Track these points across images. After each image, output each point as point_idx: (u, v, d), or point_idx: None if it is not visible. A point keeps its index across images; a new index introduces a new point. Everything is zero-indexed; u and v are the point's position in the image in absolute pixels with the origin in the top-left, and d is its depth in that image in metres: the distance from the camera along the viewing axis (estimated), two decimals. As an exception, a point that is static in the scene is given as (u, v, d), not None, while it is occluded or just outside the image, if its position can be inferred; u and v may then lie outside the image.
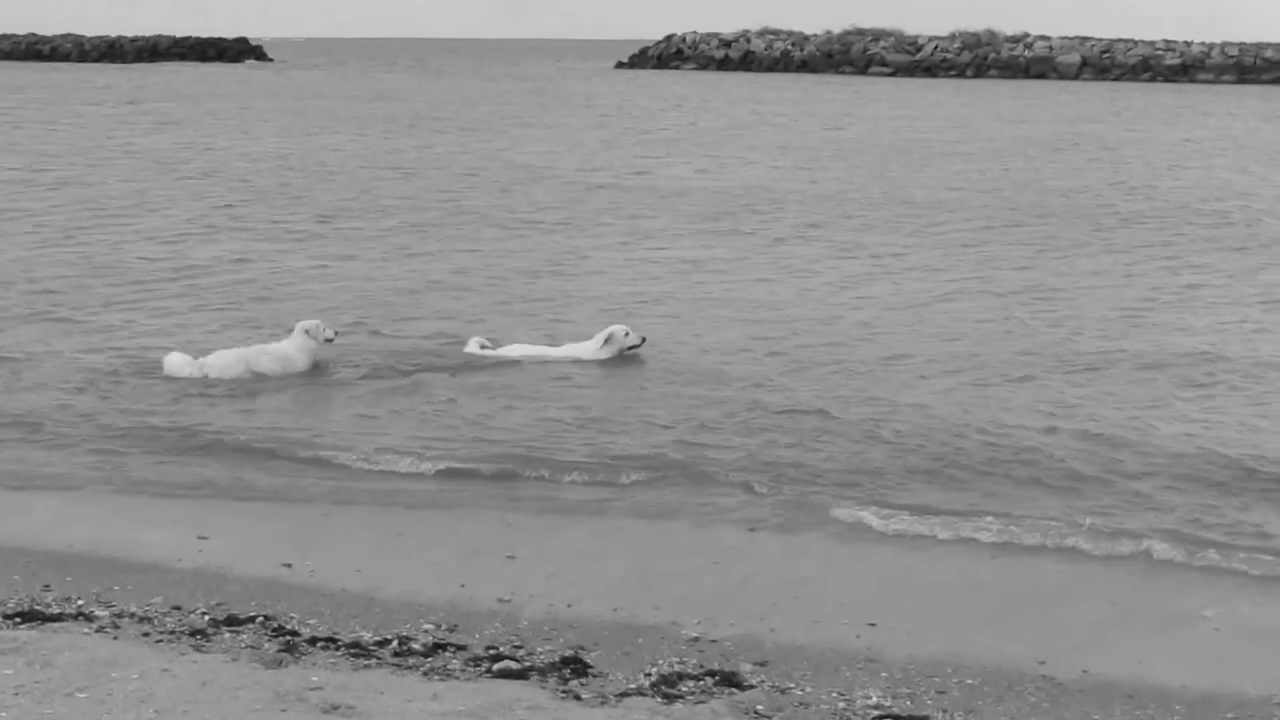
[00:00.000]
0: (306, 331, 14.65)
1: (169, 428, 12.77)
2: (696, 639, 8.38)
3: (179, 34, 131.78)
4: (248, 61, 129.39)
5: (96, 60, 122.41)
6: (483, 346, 15.43)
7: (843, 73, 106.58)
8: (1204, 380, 14.79)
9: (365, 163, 37.70)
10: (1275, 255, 23.39)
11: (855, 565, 9.87)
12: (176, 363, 14.36)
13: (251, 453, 12.17)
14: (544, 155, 40.22)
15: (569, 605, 8.94)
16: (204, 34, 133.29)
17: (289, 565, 9.58)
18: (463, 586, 9.25)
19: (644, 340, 15.37)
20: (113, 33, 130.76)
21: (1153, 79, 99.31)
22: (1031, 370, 15.10)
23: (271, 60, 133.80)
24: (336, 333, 15.04)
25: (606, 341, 15.19)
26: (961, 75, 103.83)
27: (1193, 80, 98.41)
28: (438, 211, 27.85)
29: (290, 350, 14.62)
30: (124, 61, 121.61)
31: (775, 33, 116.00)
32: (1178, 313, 18.36)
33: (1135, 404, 13.83)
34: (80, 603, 8.67)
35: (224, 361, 14.35)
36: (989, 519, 10.51)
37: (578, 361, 15.10)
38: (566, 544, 10.18)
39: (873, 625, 8.65)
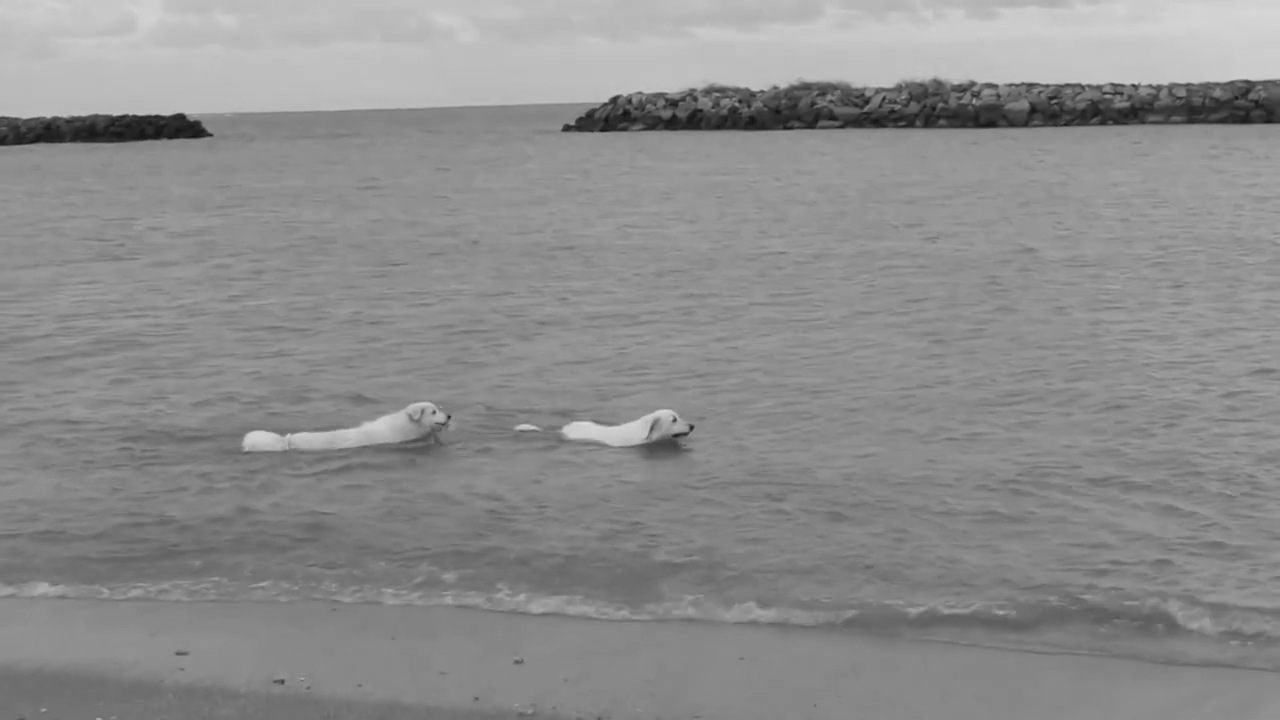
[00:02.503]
0: (409, 415, 14.00)
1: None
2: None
3: (115, 113, 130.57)
4: (180, 140, 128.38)
5: (33, 142, 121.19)
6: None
7: (791, 128, 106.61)
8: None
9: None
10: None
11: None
12: (260, 440, 13.91)
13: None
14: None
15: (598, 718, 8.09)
16: (140, 112, 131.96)
17: (281, 681, 8.68)
18: (476, 699, 8.37)
19: (691, 428, 14.23)
20: (48, 114, 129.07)
21: (1102, 123, 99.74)
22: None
23: (211, 135, 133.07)
24: (449, 416, 14.19)
25: (653, 428, 14.11)
26: (910, 125, 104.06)
27: (1142, 122, 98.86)
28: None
29: (380, 429, 14.04)
30: (61, 142, 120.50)
31: (722, 90, 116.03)
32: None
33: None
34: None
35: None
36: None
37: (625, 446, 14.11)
38: (571, 642, 9.36)
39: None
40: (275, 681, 8.67)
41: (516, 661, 8.96)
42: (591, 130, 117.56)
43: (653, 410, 14.35)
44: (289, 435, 14.01)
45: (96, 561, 10.97)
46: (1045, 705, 8.23)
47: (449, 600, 10.15)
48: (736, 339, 19.99)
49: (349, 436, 13.96)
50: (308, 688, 8.58)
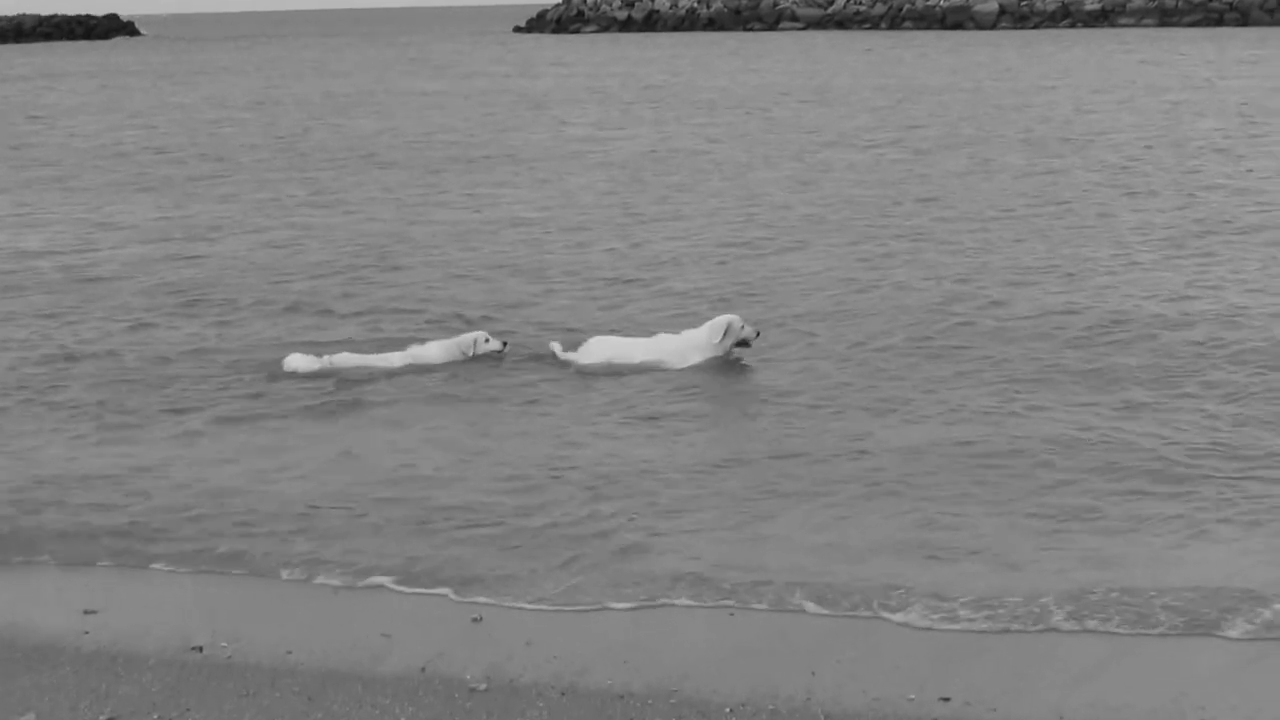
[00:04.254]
0: (461, 348, 13.06)
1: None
2: None
3: (44, 12, 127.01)
4: (115, 39, 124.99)
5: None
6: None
7: (751, 29, 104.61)
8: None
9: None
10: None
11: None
12: (299, 362, 12.88)
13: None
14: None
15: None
16: (70, 11, 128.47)
17: (200, 649, 7.57)
18: (423, 670, 7.30)
19: (759, 334, 12.77)
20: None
21: (1072, 25, 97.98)
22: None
23: (143, 35, 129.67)
24: (505, 344, 13.17)
25: (725, 334, 12.62)
26: (875, 27, 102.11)
27: (1114, 25, 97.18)
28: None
29: (431, 352, 13.07)
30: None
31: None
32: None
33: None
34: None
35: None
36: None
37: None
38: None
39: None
40: (192, 649, 7.56)
41: (474, 620, 7.88)
42: (543, 32, 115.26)
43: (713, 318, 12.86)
44: (327, 356, 12.96)
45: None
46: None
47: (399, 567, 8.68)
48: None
49: (393, 359, 12.96)
50: (229, 656, 7.48)
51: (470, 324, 14.36)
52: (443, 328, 14.28)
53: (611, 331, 13.53)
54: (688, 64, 64.17)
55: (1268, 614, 7.62)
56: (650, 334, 13.22)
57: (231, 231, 20.91)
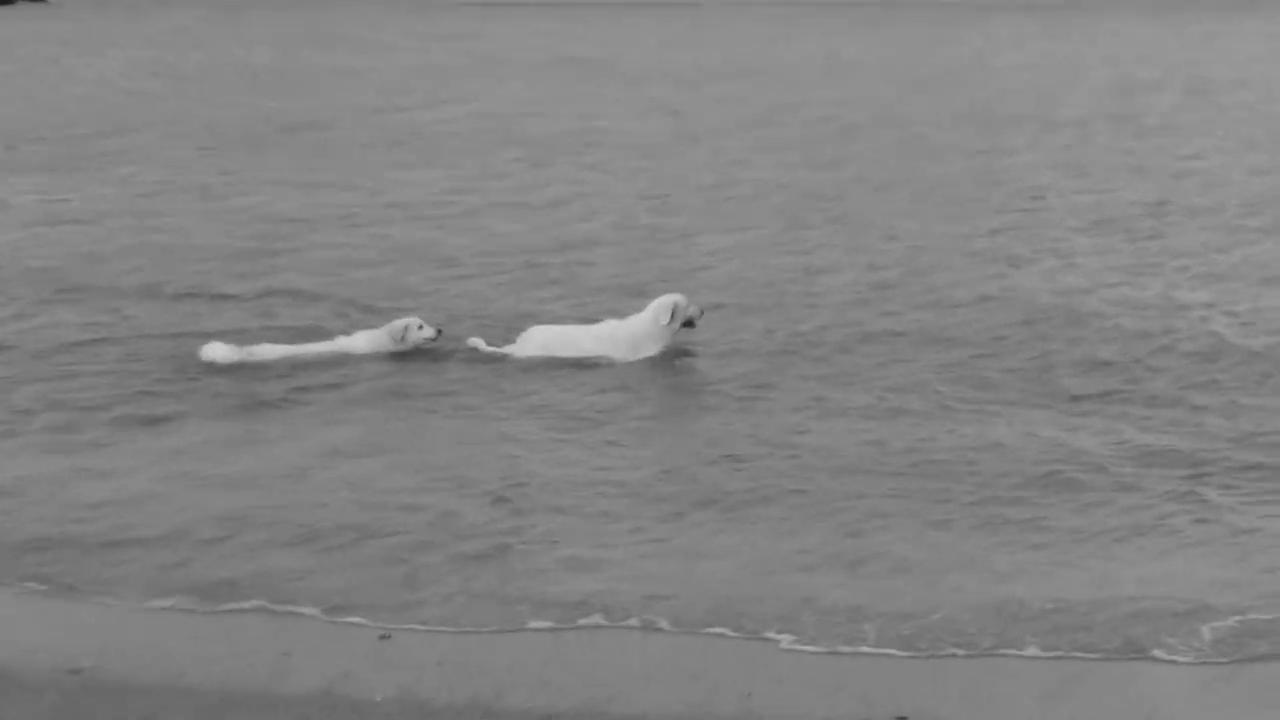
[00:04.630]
0: (390, 335, 12.31)
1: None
2: None
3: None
4: (19, 4, 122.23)
5: None
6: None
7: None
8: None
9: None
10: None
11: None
12: (218, 352, 12.14)
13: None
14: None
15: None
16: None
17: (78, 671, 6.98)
18: (327, 691, 6.74)
19: (703, 313, 12.22)
20: None
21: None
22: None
23: (48, 2, 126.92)
24: (439, 331, 12.39)
25: (673, 315, 11.96)
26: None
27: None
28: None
29: (358, 343, 12.34)
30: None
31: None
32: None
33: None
34: None
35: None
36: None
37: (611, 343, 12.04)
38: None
39: None
40: (70, 672, 6.96)
41: (382, 637, 7.34)
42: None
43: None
44: (247, 347, 12.27)
45: None
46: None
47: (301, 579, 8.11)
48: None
49: (317, 350, 12.28)
50: (120, 678, 6.91)
51: (370, 311, 13.63)
52: (341, 316, 13.64)
53: (535, 322, 12.75)
54: (614, 36, 63.31)
55: (1207, 632, 7.16)
56: (589, 322, 12.56)
57: (118, 214, 19.96)
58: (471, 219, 19.24)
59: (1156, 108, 30.63)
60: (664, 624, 7.43)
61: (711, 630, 7.36)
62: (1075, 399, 10.96)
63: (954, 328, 13.11)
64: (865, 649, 7.13)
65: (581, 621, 7.50)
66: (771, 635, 7.29)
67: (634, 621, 7.47)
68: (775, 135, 27.28)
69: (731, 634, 7.33)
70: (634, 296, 13.83)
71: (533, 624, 7.49)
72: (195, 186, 22.51)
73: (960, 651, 7.08)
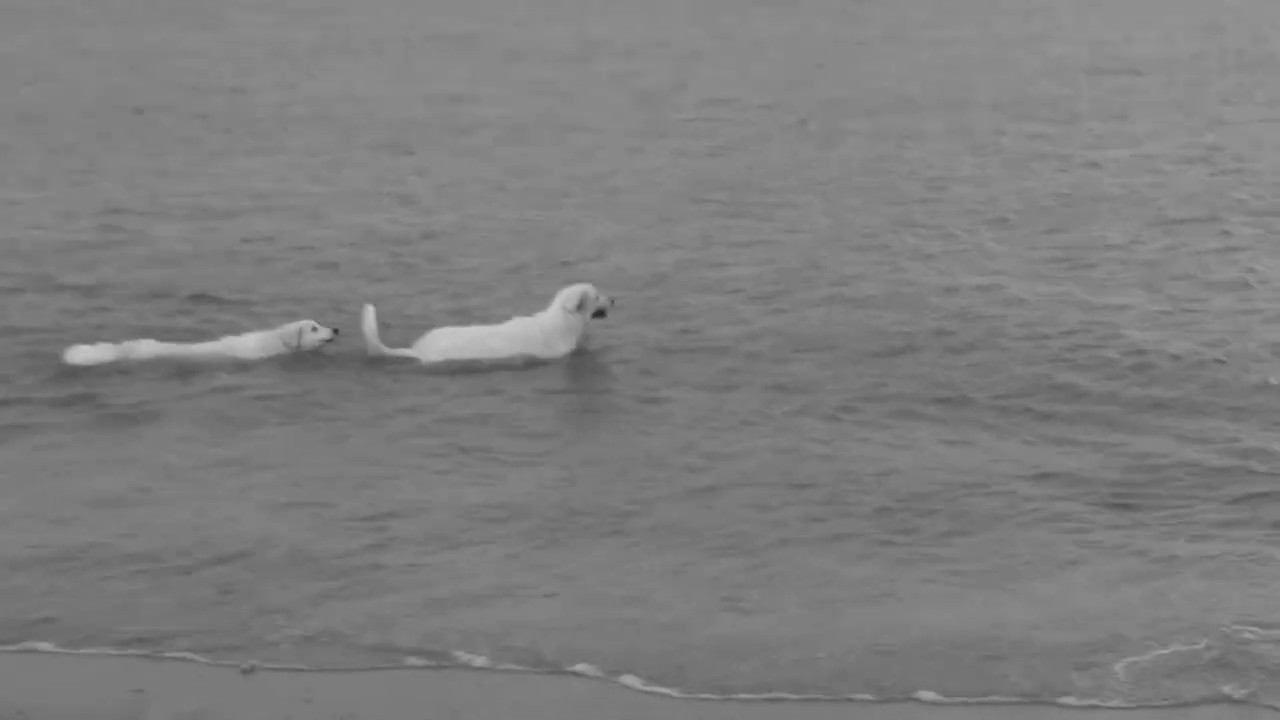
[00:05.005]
0: (283, 339, 11.68)
1: None
2: None
3: None
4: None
5: None
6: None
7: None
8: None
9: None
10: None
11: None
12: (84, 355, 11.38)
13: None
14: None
15: None
16: None
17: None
18: None
19: (614, 302, 11.70)
20: None
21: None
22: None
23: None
24: (336, 331, 11.74)
25: (581, 305, 11.43)
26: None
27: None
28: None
29: (248, 344, 11.69)
30: None
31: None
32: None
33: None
34: None
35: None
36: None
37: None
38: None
39: None
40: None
41: (245, 671, 6.81)
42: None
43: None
44: (125, 343, 11.55)
45: None
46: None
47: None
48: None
49: (202, 351, 11.63)
50: None
51: (225, 305, 12.94)
52: (193, 315, 12.83)
53: (417, 320, 12.12)
54: (487, 8, 61.15)
55: (1120, 670, 6.76)
56: (493, 322, 11.87)
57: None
58: (331, 208, 18.26)
59: (1084, 91, 29.16)
60: (515, 665, 6.97)
61: (574, 669, 6.91)
62: (981, 408, 10.44)
63: (853, 330, 12.39)
64: (741, 695, 6.67)
65: (460, 657, 7.02)
66: (629, 680, 6.84)
67: (483, 661, 7.00)
68: (664, 119, 26.06)
69: (592, 674, 6.89)
70: (515, 294, 13.21)
71: (409, 660, 7.01)
72: (29, 175, 21.21)
73: (859, 695, 6.66)
